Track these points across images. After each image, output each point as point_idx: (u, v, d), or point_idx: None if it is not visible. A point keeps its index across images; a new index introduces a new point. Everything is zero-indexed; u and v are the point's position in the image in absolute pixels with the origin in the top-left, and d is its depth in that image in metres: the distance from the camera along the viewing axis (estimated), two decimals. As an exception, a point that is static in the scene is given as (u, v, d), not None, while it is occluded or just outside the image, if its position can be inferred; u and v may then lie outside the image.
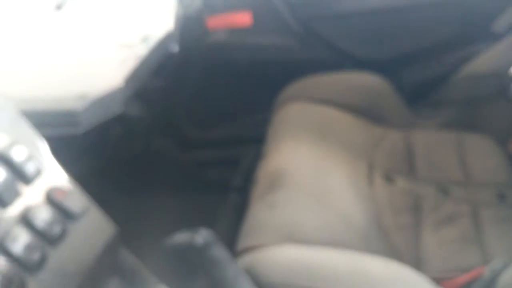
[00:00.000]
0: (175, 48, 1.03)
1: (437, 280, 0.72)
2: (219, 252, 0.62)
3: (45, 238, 0.57)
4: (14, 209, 0.56)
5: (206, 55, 1.42)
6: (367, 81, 1.19)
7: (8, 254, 0.52)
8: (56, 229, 0.58)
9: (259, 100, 1.37)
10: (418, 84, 1.31)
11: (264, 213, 0.86)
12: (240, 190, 1.33)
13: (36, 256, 0.54)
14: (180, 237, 0.61)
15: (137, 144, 1.49)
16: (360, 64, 1.31)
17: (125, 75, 0.81)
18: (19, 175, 0.58)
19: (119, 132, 1.44)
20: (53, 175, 0.63)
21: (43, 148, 0.65)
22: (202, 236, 0.59)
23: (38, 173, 0.60)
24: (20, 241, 0.53)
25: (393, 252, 0.83)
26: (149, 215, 1.51)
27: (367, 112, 1.16)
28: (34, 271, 0.54)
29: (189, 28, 1.22)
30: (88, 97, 0.73)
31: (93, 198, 0.68)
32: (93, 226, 0.64)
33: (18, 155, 0.58)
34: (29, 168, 0.59)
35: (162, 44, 0.97)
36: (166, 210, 1.52)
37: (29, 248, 0.54)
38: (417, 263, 0.81)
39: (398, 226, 0.88)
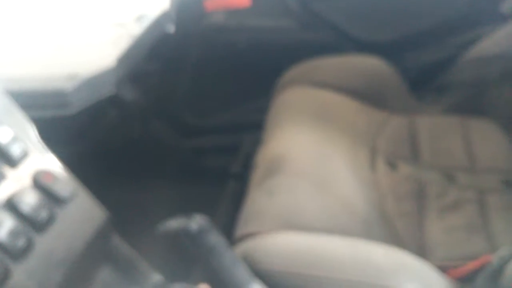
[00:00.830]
0: (171, 28, 1.00)
1: (442, 268, 0.70)
2: (215, 238, 0.59)
3: (31, 223, 0.54)
4: (-1, 194, 0.54)
5: (204, 37, 1.39)
6: (370, 64, 1.16)
7: (-9, 240, 0.49)
8: (43, 214, 0.55)
9: (259, 84, 1.34)
10: (422, 68, 1.28)
11: (263, 199, 0.84)
12: (239, 177, 1.30)
13: (21, 242, 0.51)
14: (174, 223, 0.58)
15: (132, 129, 1.47)
16: (362, 46, 1.27)
17: (118, 55, 0.78)
18: (4, 157, 0.55)
19: (114, 116, 1.41)
20: (41, 158, 0.60)
21: (30, 130, 0.62)
22: (196, 222, 0.57)
23: (24, 155, 0.58)
24: (4, 226, 0.50)
25: (396, 240, 0.81)
26: (144, 202, 1.48)
27: (369, 96, 1.13)
28: (19, 259, 0.51)
29: (186, 9, 1.18)
30: (78, 76, 0.70)
31: (86, 184, 0.66)
32: (83, 211, 0.61)
33: (2, 136, 0.55)
34: (15, 150, 0.56)
35: (158, 24, 0.93)
36: (163, 198, 1.50)
37: (14, 234, 0.51)
38: (421, 251, 0.79)
39: (401, 213, 0.86)
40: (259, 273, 0.65)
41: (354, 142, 0.99)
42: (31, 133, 0.62)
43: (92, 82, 0.71)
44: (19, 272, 0.51)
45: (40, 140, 0.63)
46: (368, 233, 0.79)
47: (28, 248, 0.52)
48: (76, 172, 0.65)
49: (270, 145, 0.99)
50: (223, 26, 1.37)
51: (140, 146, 1.51)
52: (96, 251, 0.64)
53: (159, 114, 1.50)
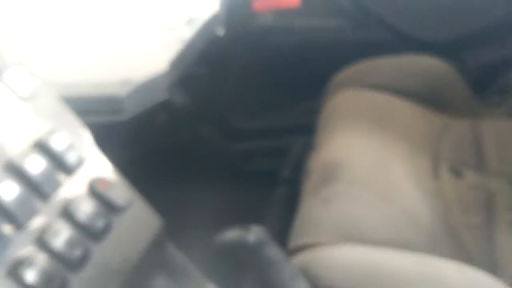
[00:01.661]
0: (220, 31, 0.98)
1: (518, 288, 0.63)
2: (273, 252, 0.56)
3: (88, 232, 0.53)
4: (55, 202, 0.53)
5: (252, 39, 1.36)
6: (429, 65, 1.09)
7: (48, 250, 0.48)
8: (100, 223, 0.54)
9: (309, 87, 1.30)
10: (484, 68, 1.20)
11: (319, 208, 0.80)
12: (289, 182, 1.27)
13: (78, 252, 0.50)
14: (231, 235, 0.56)
15: (181, 133, 1.46)
16: (419, 46, 1.21)
17: (170, 59, 0.77)
18: (60, 165, 0.55)
19: (163, 120, 1.41)
20: (96, 165, 0.60)
21: (86, 136, 0.61)
22: (254, 234, 0.54)
23: (80, 162, 0.57)
24: (61, 236, 0.50)
25: (464, 255, 0.75)
26: (194, 207, 1.48)
27: (429, 99, 1.07)
28: (76, 268, 0.50)
29: (234, 11, 1.16)
30: (131, 82, 0.69)
31: (137, 189, 0.65)
32: (139, 220, 0.60)
33: (58, 143, 0.55)
34: (70, 158, 0.56)
35: (207, 26, 0.92)
36: (212, 203, 1.48)
37: (71, 243, 0.50)
38: (492, 267, 0.73)
39: (469, 225, 0.80)
40: (318, 289, 0.62)
41: (415, 148, 0.93)
42: (87, 139, 0.62)
43: (145, 87, 0.70)
44: (76, 282, 0.50)
45: (95, 147, 0.62)
46: (433, 247, 0.73)
47: (85, 258, 0.51)
48: (128, 177, 0.64)
49: (324, 151, 0.95)
50: (272, 27, 1.34)
51: (188, 149, 1.51)
52: (151, 260, 0.62)
53: (207, 118, 1.49)
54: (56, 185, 0.53)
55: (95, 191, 0.56)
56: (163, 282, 0.65)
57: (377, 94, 1.07)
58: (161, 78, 0.73)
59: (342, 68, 1.17)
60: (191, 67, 0.96)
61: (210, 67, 1.40)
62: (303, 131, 1.43)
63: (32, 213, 0.49)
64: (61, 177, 0.55)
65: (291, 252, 0.74)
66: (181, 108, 1.40)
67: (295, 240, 0.76)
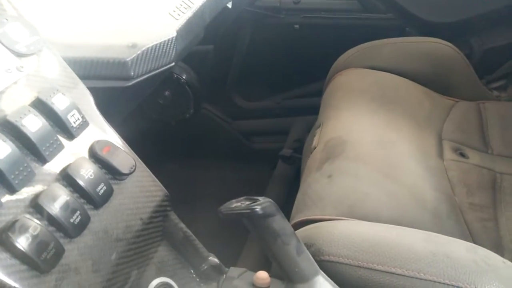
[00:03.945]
0: (229, 2, 0.91)
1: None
2: (281, 224, 0.51)
3: (87, 198, 0.47)
4: (54, 165, 0.47)
5: (258, 17, 1.29)
6: (435, 47, 1.02)
7: (45, 215, 0.43)
8: (101, 189, 0.48)
9: (314, 68, 1.23)
10: (490, 52, 1.13)
11: (322, 183, 0.74)
12: (287, 159, 1.21)
13: (76, 218, 0.45)
14: (238, 205, 0.50)
15: (185, 110, 1.40)
16: (427, 28, 1.14)
17: (178, 26, 0.70)
18: (60, 126, 0.49)
19: (167, 96, 1.35)
20: (99, 130, 0.54)
21: (89, 99, 0.55)
22: (263, 205, 0.48)
23: (82, 126, 0.51)
24: (59, 201, 0.44)
25: (468, 234, 0.70)
26: (196, 181, 1.43)
27: (434, 81, 1.01)
28: (74, 235, 0.45)
29: (243, -13, 1.09)
30: (138, 46, 0.63)
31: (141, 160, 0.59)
32: (141, 188, 0.55)
33: (59, 103, 0.49)
34: (72, 120, 0.50)
35: (217, -3, 0.85)
36: (213, 178, 1.43)
37: (69, 209, 0.44)
38: (496, 249, 0.68)
39: (473, 205, 0.74)
40: (323, 264, 0.56)
41: (420, 126, 0.87)
42: (90, 103, 0.56)
43: (152, 52, 0.64)
44: (73, 250, 0.45)
45: (98, 112, 0.56)
46: (438, 226, 0.68)
47: (83, 225, 0.46)
48: (132, 148, 0.59)
49: (328, 128, 0.89)
50: (279, 5, 1.26)
51: (192, 126, 1.45)
52: (153, 229, 0.57)
53: (211, 96, 1.42)
54: (56, 147, 0.48)
55: (97, 156, 0.50)
56: (165, 252, 0.60)
57: (381, 73, 1.00)
58: (168, 44, 0.66)
59: (347, 49, 1.10)
60: (198, 39, 0.89)
61: (216, 45, 1.33)
62: (306, 112, 1.37)
63: (28, 176, 0.44)
64: (63, 139, 0.49)
65: (294, 227, 0.68)
66: (185, 85, 1.33)
67: (298, 215, 0.71)
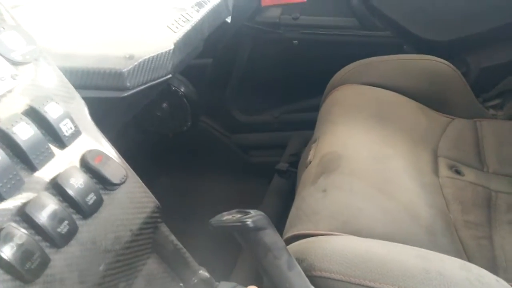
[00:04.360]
0: (228, 16, 0.92)
1: (520, 290, 0.57)
2: (272, 238, 0.50)
3: (76, 207, 0.47)
4: (44, 173, 0.46)
5: (258, 32, 1.30)
6: (432, 65, 1.03)
7: (31, 224, 0.42)
8: (90, 199, 0.48)
9: (312, 84, 1.24)
10: (486, 70, 1.13)
11: (317, 198, 0.74)
12: (283, 173, 1.21)
13: (64, 228, 0.44)
14: (229, 218, 0.49)
15: (183, 122, 1.40)
16: (423, 46, 1.15)
17: (176, 39, 0.70)
18: (52, 135, 0.49)
19: (165, 108, 1.35)
20: (92, 139, 0.53)
21: (83, 109, 0.55)
22: (254, 218, 0.48)
23: (74, 135, 0.51)
24: (47, 209, 0.43)
25: (462, 252, 0.69)
26: (191, 194, 1.42)
27: (430, 99, 1.01)
28: (60, 245, 0.44)
29: (242, 2, 1.10)
30: (135, 57, 0.63)
31: (136, 173, 0.58)
32: (132, 198, 0.54)
33: (52, 112, 0.49)
34: (64, 129, 0.49)
35: (216, 11, 0.86)
36: (209, 192, 1.43)
37: (56, 218, 0.44)
38: (491, 267, 0.67)
39: (468, 223, 0.74)
40: (315, 280, 0.55)
41: (415, 143, 0.87)
42: (84, 112, 0.55)
43: (149, 63, 0.64)
44: (59, 261, 0.44)
45: (92, 122, 0.56)
46: (433, 243, 0.67)
47: (70, 234, 0.45)
48: (127, 160, 0.58)
49: (324, 142, 0.88)
50: (278, 21, 1.27)
51: (189, 138, 1.45)
52: (143, 241, 0.56)
53: (209, 109, 1.43)
54: (47, 156, 0.47)
55: (88, 165, 0.50)
56: (155, 265, 0.59)
57: (378, 89, 1.01)
58: (166, 56, 0.66)
59: (344, 66, 1.10)
60: (197, 53, 0.90)
61: (215, 58, 1.34)
62: (303, 126, 1.37)
63: (16, 184, 0.43)
64: (54, 147, 0.49)
65: (287, 241, 0.68)
66: (183, 97, 1.34)
67: (291, 229, 0.70)
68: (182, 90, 1.35)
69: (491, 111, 1.04)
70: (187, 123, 1.42)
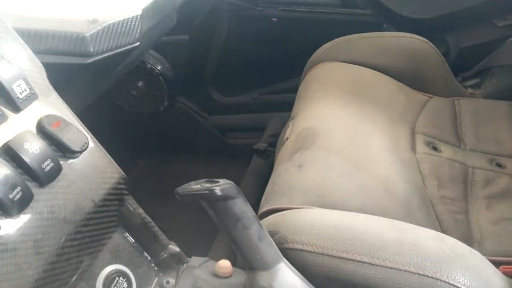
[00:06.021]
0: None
1: (494, 263, 0.57)
2: (242, 207, 0.48)
3: (32, 174, 0.44)
4: (-6, 137, 0.43)
5: (235, 9, 1.26)
6: (411, 43, 1.02)
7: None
8: (47, 165, 0.45)
9: (291, 64, 1.21)
10: (466, 50, 1.13)
11: (292, 173, 0.72)
12: (261, 153, 1.19)
13: (17, 194, 0.41)
14: (196, 187, 0.47)
15: (159, 102, 1.36)
16: (403, 24, 1.13)
17: (144, 4, 0.67)
18: (4, 96, 0.45)
19: (140, 87, 1.31)
20: (50, 104, 0.50)
21: (40, 72, 0.52)
22: (222, 186, 0.46)
23: (30, 98, 0.47)
24: (-2, 176, 0.40)
25: (438, 227, 0.68)
26: (168, 176, 1.39)
27: (409, 77, 1.00)
28: (12, 213, 0.41)
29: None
30: (99, 21, 0.59)
31: (111, 154, 0.55)
32: (95, 168, 0.51)
33: (3, 72, 0.45)
34: (18, 90, 0.46)
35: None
36: (187, 173, 1.39)
37: (8, 184, 0.41)
38: (466, 241, 0.66)
39: (444, 198, 0.73)
40: (287, 252, 0.54)
41: (393, 120, 0.86)
42: (42, 76, 0.52)
43: (114, 29, 0.60)
44: (10, 228, 0.41)
45: (51, 87, 0.53)
46: (409, 217, 0.67)
47: (24, 202, 0.42)
48: (102, 142, 0.55)
49: (300, 119, 0.86)
50: (258, -1, 1.24)
51: (166, 119, 1.41)
52: (108, 214, 0.54)
53: (186, 89, 1.39)
54: (0, 119, 0.44)
55: (44, 130, 0.47)
56: (120, 240, 0.56)
57: (357, 67, 0.99)
58: (133, 22, 0.63)
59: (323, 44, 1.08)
60: (170, 25, 0.86)
61: (191, 36, 1.30)
62: (283, 108, 1.35)
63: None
64: (5, 111, 0.45)
65: (262, 216, 0.66)
66: (159, 76, 1.30)
67: (266, 204, 0.69)
68: (158, 68, 1.32)
69: (469, 90, 1.04)
70: (163, 103, 1.38)
